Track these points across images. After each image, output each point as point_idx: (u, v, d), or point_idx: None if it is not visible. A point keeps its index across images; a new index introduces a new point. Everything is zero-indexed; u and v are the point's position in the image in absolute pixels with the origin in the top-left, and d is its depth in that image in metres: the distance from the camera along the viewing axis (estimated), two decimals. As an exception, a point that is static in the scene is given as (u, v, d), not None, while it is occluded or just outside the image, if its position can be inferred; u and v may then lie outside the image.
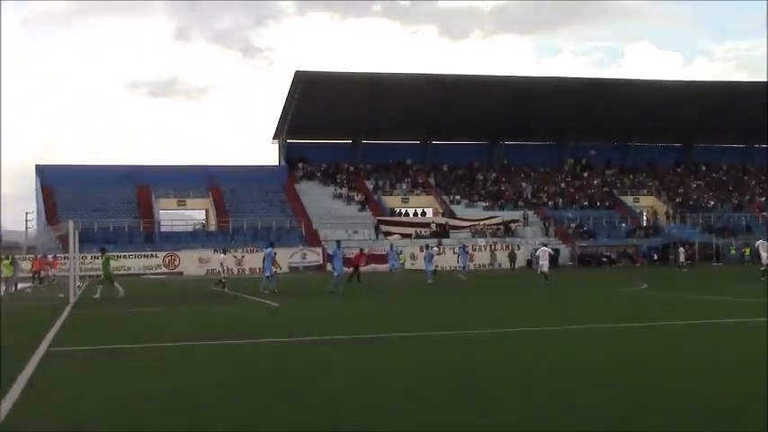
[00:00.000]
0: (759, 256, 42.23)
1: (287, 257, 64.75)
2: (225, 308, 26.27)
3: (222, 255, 42.64)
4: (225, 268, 40.97)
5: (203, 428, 8.33)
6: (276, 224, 73.99)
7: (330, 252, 34.07)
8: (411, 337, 16.53)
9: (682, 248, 56.46)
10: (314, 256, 68.43)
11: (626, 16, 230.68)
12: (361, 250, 50.55)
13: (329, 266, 49.09)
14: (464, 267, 50.81)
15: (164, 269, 65.71)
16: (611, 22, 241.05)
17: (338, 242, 37.28)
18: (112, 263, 37.73)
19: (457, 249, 53.99)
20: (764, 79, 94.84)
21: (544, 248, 40.67)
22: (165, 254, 66.96)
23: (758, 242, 47.21)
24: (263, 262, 35.64)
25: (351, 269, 42.48)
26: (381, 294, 32.55)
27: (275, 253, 36.08)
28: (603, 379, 10.85)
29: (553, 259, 70.77)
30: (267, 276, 34.86)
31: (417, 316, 22.24)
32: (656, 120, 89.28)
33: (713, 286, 34.74)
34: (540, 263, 38.89)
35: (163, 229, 73.98)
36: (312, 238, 70.81)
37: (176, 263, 66.47)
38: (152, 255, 66.69)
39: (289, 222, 74.74)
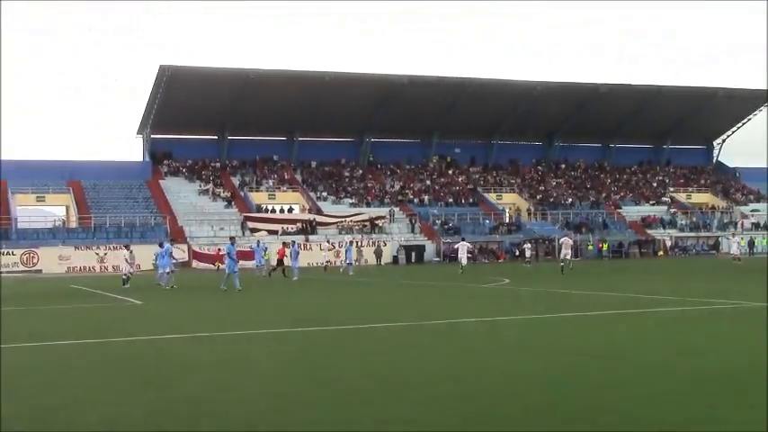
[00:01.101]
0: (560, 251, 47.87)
1: (150, 255, 63.33)
2: (85, 306, 25.69)
3: (126, 251, 41.78)
4: (130, 264, 40.26)
5: (57, 429, 8.24)
6: (140, 221, 72.49)
7: (224, 250, 33.62)
8: (271, 333, 16.61)
9: (527, 245, 58.13)
10: (179, 254, 67.27)
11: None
12: (284, 244, 51.09)
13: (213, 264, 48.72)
14: (350, 264, 50.42)
15: (21, 267, 63.57)
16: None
17: (232, 239, 36.04)
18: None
19: (345, 246, 53.95)
20: (619, 81, 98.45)
21: (463, 243, 47.19)
22: (22, 251, 64.75)
23: (562, 239, 49.40)
24: (159, 259, 37.24)
25: (275, 264, 45.72)
26: (247, 292, 32.38)
27: (172, 249, 37.43)
28: (458, 372, 11.22)
29: (419, 255, 72.15)
30: (168, 272, 35.88)
31: (279, 313, 22.28)
32: (517, 118, 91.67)
33: (567, 281, 36.01)
34: (459, 256, 46.84)
35: (20, 225, 71.46)
36: (178, 235, 69.67)
37: (35, 260, 64.41)
38: (8, 252, 64.38)
39: (153, 219, 73.35)
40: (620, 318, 18.54)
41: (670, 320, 17.74)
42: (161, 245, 39.00)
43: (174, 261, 39.20)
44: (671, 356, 12.20)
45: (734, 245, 58.58)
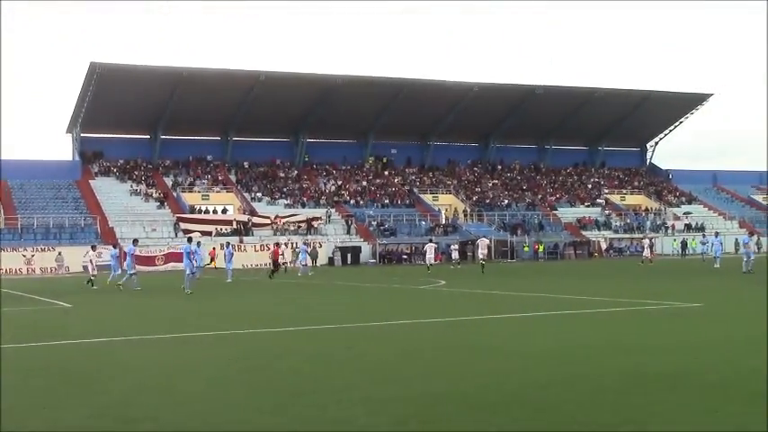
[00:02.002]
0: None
1: (80, 257, 62.45)
2: (14, 310, 25.21)
3: (92, 251, 41.29)
4: (94, 266, 40.06)
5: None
6: (69, 222, 71.27)
7: (185, 250, 33.21)
8: (211, 336, 16.52)
9: (429, 246, 58.94)
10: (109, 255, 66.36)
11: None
12: (277, 245, 51.73)
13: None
14: (305, 265, 50.35)
15: (-57, 270, 62.05)
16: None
17: (189, 239, 35.71)
18: None
19: (299, 247, 53.87)
20: (556, 84, 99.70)
21: (430, 244, 53.10)
22: (-56, 253, 63.17)
23: (478, 240, 52.00)
24: (114, 260, 38.08)
25: (271, 264, 46.37)
26: (177, 294, 32.09)
27: (134, 251, 37.75)
28: (397, 373, 11.31)
29: (355, 257, 72.18)
30: (131, 274, 36.08)
31: (221, 314, 22.15)
32: (454, 120, 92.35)
33: (503, 283, 36.42)
34: (428, 256, 52.21)
35: (-57, 226, 69.72)
36: (108, 237, 68.73)
37: (-42, 262, 62.93)
38: (-71, 255, 62.77)
39: (83, 220, 72.22)
40: (556, 319, 18.80)
41: (603, 321, 18.05)
42: (114, 246, 38.72)
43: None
44: (605, 357, 12.42)
45: (645, 247, 60.58)
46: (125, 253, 39.58)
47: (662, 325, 16.94)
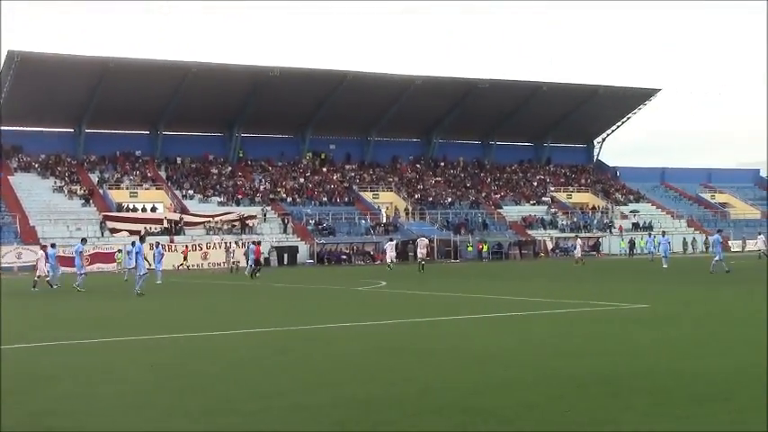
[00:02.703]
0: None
1: (-1, 257, 61.47)
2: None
3: (47, 250, 40.12)
4: (43, 266, 39.24)
5: None
6: (-14, 220, 70.02)
7: (134, 249, 32.72)
8: (138, 341, 16.42)
9: (389, 245, 58.99)
10: (31, 255, 65.34)
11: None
12: (258, 243, 52.48)
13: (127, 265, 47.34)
14: (253, 266, 50.32)
15: None
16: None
17: (141, 237, 35.15)
18: None
19: (248, 247, 53.72)
20: (500, 77, 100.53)
21: (390, 243, 55.37)
22: None
23: (418, 240, 54.66)
24: (76, 258, 38.01)
25: (254, 264, 47.62)
26: (100, 295, 31.78)
27: (83, 250, 38.21)
28: (331, 378, 11.38)
29: (292, 257, 72.05)
30: (80, 274, 36.61)
31: (152, 319, 22.00)
32: (395, 114, 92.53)
33: (443, 284, 36.68)
34: (389, 255, 54.93)
35: None
36: (28, 236, 67.66)
37: None
38: None
39: (1, 218, 70.97)
40: (495, 321, 19.01)
41: (543, 323, 18.29)
42: (133, 244, 38.33)
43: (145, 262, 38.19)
44: (549, 359, 12.61)
45: (577, 247, 61.58)
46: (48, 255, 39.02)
47: (604, 327, 17.21)
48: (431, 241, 74.54)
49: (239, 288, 36.47)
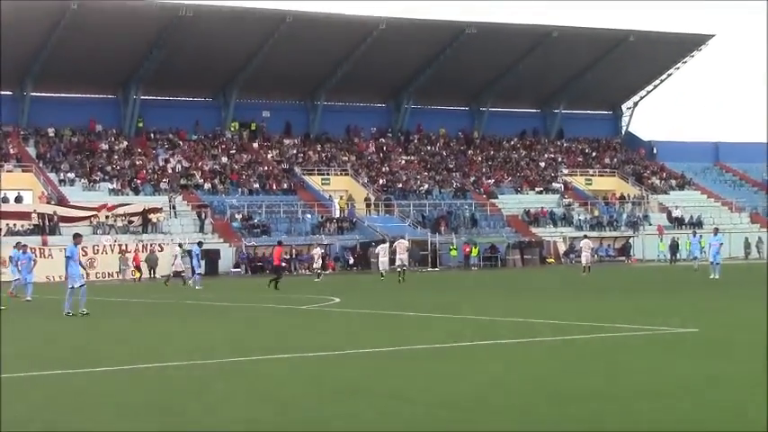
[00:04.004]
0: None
1: None
2: None
3: (22, 251, 43.00)
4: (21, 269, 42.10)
5: None
6: None
7: (66, 253, 32.39)
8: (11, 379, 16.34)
9: (317, 249, 59.63)
10: None
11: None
12: (280, 243, 55.09)
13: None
14: (199, 274, 53.03)
15: None
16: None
17: (76, 236, 34.70)
18: None
19: (192, 249, 54.76)
20: (495, 21, 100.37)
21: (383, 246, 59.10)
22: None
23: (396, 242, 58.03)
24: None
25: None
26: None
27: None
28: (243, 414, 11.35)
29: (212, 264, 71.76)
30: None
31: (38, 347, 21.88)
32: (353, 69, 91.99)
33: (417, 298, 36.71)
34: (381, 260, 58.42)
35: None
36: None
37: None
38: None
39: None
40: (498, 350, 19.06)
41: (555, 351, 18.39)
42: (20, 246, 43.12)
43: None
44: (555, 405, 12.67)
45: (584, 251, 61.00)
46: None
47: (641, 357, 17.29)
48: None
49: (153, 308, 36.40)
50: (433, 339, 21.05)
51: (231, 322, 28.64)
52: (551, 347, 19.27)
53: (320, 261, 61.09)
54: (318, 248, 61.29)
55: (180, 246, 60.35)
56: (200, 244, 56.10)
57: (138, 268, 67.45)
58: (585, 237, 67.49)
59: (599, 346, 19.39)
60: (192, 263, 53.66)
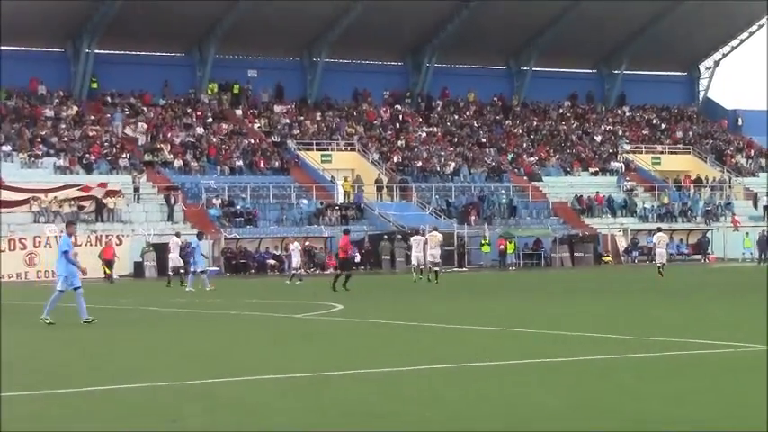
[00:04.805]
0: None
1: None
2: None
3: None
4: None
5: None
6: None
7: (63, 247, 32.48)
8: None
9: (294, 245, 59.10)
10: None
11: None
12: (346, 232, 54.47)
13: None
14: (204, 272, 53.22)
15: None
16: None
17: (69, 225, 35.85)
18: None
19: (190, 243, 55.78)
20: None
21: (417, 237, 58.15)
22: None
23: (429, 233, 58.17)
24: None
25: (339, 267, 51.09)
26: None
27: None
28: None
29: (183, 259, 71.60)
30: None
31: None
32: (359, 19, 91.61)
33: (443, 305, 36.52)
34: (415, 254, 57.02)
35: None
36: None
37: None
38: None
39: None
40: (553, 369, 18.78)
41: (604, 374, 18.06)
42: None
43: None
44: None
45: (660, 248, 60.56)
46: None
47: (715, 382, 16.98)
48: (409, 235, 74.44)
49: (115, 314, 36.25)
50: (466, 356, 20.78)
51: (212, 333, 28.46)
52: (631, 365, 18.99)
53: (298, 259, 60.28)
54: (296, 243, 60.49)
55: (177, 235, 60.29)
56: (199, 236, 56.65)
57: (108, 264, 66.81)
58: (660, 230, 67.14)
59: (660, 365, 19.08)
60: (191, 258, 53.86)
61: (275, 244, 76.20)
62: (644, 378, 17.57)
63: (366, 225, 79.40)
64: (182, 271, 55.84)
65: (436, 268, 54.62)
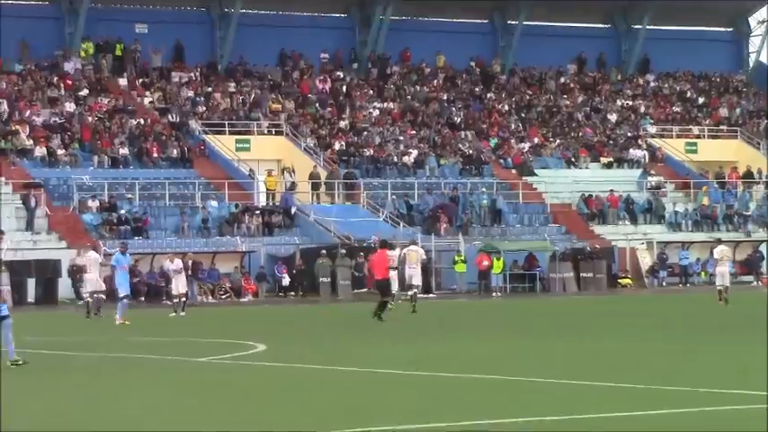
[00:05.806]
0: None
1: None
2: None
3: None
4: None
5: None
6: None
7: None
8: None
9: (176, 264, 59.26)
10: None
11: None
12: (385, 244, 54.53)
13: None
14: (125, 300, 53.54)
15: None
16: None
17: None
18: None
19: (96, 260, 55.16)
20: None
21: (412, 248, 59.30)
22: None
23: (407, 248, 59.60)
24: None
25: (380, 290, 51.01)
26: None
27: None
28: None
29: (47, 285, 71.40)
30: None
31: None
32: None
33: (403, 347, 36.36)
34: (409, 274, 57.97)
35: None
36: None
37: None
38: None
39: None
40: None
41: None
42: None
43: None
44: None
45: (722, 266, 60.38)
46: None
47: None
48: (359, 250, 74.45)
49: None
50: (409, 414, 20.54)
51: (98, 386, 28.15)
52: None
53: (180, 284, 59.93)
54: (177, 261, 59.84)
55: (94, 249, 60.23)
56: (123, 249, 56.38)
57: None
58: (720, 241, 66.94)
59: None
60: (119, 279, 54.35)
61: (170, 260, 75.98)
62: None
63: (297, 236, 79.41)
64: (103, 297, 56.57)
65: (416, 291, 56.39)
